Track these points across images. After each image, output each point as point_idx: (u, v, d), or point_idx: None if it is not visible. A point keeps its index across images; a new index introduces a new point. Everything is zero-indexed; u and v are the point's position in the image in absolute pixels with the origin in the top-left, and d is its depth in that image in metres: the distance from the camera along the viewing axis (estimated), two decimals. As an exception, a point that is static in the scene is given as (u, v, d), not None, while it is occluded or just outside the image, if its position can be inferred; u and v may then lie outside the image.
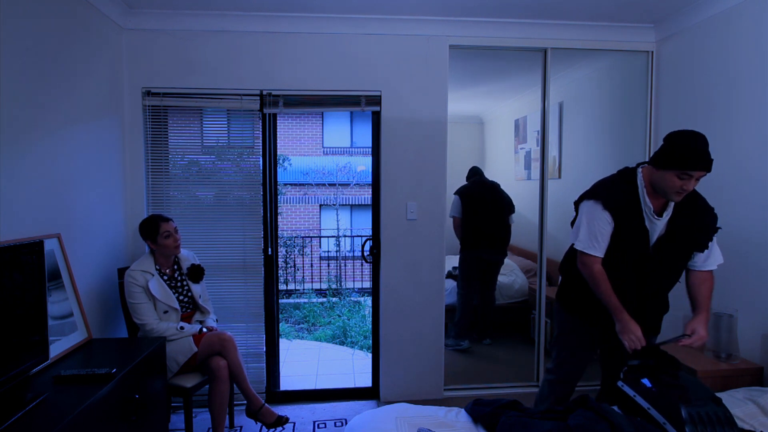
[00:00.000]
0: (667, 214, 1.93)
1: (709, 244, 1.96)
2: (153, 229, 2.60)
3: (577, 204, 2.07)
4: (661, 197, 1.91)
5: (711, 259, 1.99)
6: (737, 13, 2.58)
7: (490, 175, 4.24)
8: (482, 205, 4.05)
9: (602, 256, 1.96)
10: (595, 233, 1.94)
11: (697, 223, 1.93)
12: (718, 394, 1.94)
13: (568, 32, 3.16)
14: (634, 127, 3.38)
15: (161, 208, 3.00)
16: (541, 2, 2.81)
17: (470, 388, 3.39)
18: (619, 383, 1.74)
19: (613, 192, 1.96)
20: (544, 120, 3.33)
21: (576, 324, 2.17)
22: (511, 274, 4.42)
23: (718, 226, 1.96)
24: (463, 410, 1.95)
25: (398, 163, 3.17)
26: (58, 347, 2.05)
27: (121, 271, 2.71)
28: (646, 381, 1.66)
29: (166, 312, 2.56)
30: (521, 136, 4.54)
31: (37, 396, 1.62)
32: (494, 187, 4.11)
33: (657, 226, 1.93)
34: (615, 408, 1.74)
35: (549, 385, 2.28)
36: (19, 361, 1.70)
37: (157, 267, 2.62)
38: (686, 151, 1.77)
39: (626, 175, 1.99)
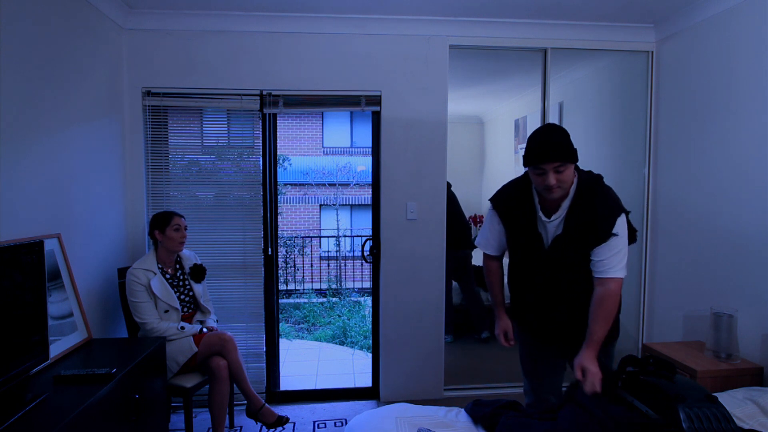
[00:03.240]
0: (558, 216, 1.79)
1: (597, 248, 1.74)
2: (165, 219, 2.61)
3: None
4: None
5: (604, 264, 1.73)
6: (737, 13, 2.58)
7: (490, 174, 4.24)
8: None
9: (494, 254, 2.05)
10: (485, 232, 2.04)
11: (591, 224, 1.74)
12: (718, 394, 1.94)
13: (568, 32, 3.16)
14: (634, 127, 3.38)
15: (161, 208, 2.99)
16: (541, 2, 2.81)
17: (470, 388, 3.39)
18: (628, 397, 1.72)
19: (505, 193, 1.97)
20: (544, 120, 3.33)
21: (524, 336, 2.07)
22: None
23: (614, 232, 1.71)
24: (463, 410, 1.95)
25: (398, 163, 3.17)
26: (58, 347, 2.05)
27: (121, 271, 2.71)
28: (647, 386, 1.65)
29: (166, 311, 2.56)
30: (521, 136, 4.54)
31: (37, 396, 1.63)
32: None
33: (550, 226, 1.82)
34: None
35: (530, 407, 2.10)
36: (19, 361, 1.70)
37: (160, 266, 2.62)
38: (530, 146, 1.72)
39: (525, 178, 1.92)
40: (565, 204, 1.78)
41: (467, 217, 4.44)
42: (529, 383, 2.15)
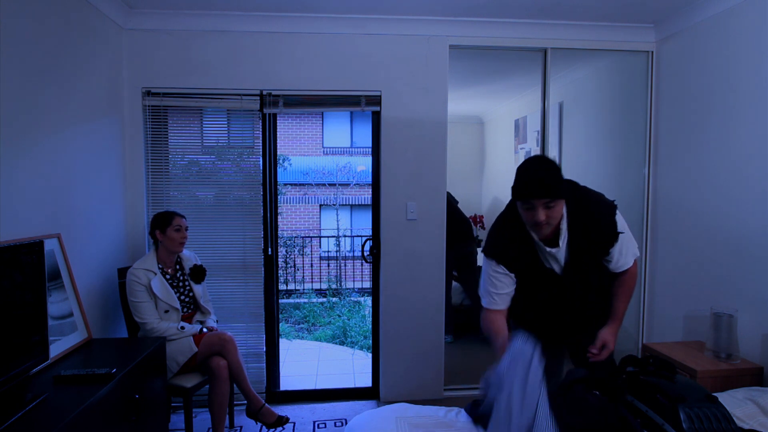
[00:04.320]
0: (563, 240, 1.74)
1: (611, 250, 1.78)
2: (166, 219, 2.61)
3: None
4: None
5: (622, 260, 1.81)
6: (737, 13, 2.58)
7: (490, 174, 4.24)
8: None
9: (503, 308, 1.84)
10: (491, 289, 1.83)
11: (595, 236, 1.75)
12: (718, 394, 1.94)
13: (568, 32, 3.16)
14: (634, 127, 3.38)
15: (161, 208, 2.99)
16: (541, 2, 2.81)
17: (470, 388, 3.39)
18: (629, 397, 1.72)
19: (501, 241, 1.82)
20: (544, 120, 3.33)
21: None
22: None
23: (619, 230, 1.76)
24: (463, 410, 1.95)
25: (398, 163, 3.17)
26: (58, 347, 2.05)
27: (121, 271, 2.71)
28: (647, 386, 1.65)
29: (167, 311, 2.56)
30: (521, 136, 4.54)
31: (37, 396, 1.63)
32: None
33: (557, 256, 1.77)
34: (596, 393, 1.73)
35: None
36: (19, 361, 1.70)
37: (160, 266, 2.62)
38: (518, 181, 1.65)
39: (511, 214, 1.82)
40: (564, 226, 1.74)
41: (467, 217, 4.41)
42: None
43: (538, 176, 1.62)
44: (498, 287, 1.82)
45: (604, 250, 1.78)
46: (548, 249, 1.75)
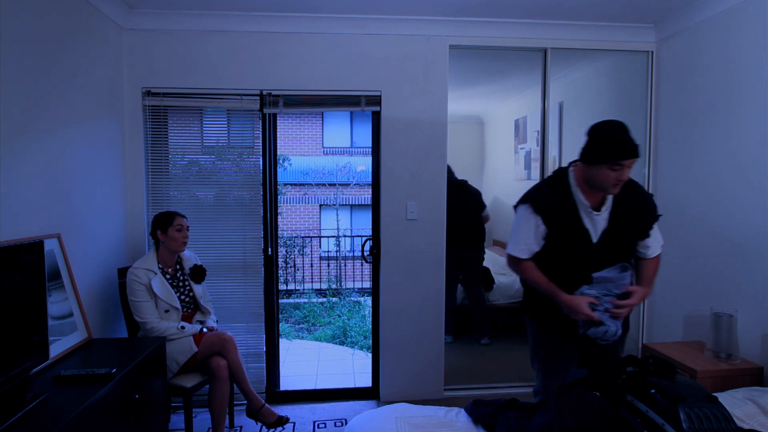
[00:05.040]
0: (606, 208, 1.90)
1: (650, 231, 1.95)
2: (168, 219, 2.62)
3: (515, 207, 2.03)
4: (598, 192, 1.88)
5: (655, 245, 1.98)
6: (737, 13, 2.58)
7: (490, 174, 4.24)
8: (452, 204, 4.04)
9: (527, 257, 1.96)
10: (522, 238, 1.95)
11: (638, 211, 1.92)
12: (718, 394, 1.94)
13: (568, 32, 3.16)
14: (634, 127, 3.32)
15: (161, 208, 2.99)
16: (541, 2, 2.81)
17: (470, 388, 3.39)
18: (629, 397, 1.71)
19: (544, 194, 1.95)
20: (544, 120, 3.33)
21: (546, 335, 2.08)
22: (511, 274, 4.41)
23: (659, 213, 1.96)
24: (463, 410, 1.95)
25: (398, 163, 3.17)
26: (58, 347, 2.05)
27: (121, 271, 2.71)
28: (648, 386, 1.65)
29: (167, 311, 2.56)
30: (521, 136, 4.54)
31: (37, 396, 1.63)
32: (463, 184, 4.08)
33: (598, 222, 1.90)
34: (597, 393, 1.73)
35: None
36: (19, 361, 1.70)
37: (160, 266, 2.62)
38: (612, 143, 1.77)
39: (558, 176, 1.97)
40: (609, 197, 1.89)
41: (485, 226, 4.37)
42: (540, 373, 2.14)
43: (630, 138, 1.78)
44: (534, 237, 1.93)
45: (644, 230, 1.92)
46: (593, 212, 1.88)
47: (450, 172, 4.19)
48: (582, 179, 1.89)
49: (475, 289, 4.21)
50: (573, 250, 1.91)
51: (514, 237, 1.97)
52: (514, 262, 2.02)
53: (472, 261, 4.13)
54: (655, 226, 1.96)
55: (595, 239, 1.90)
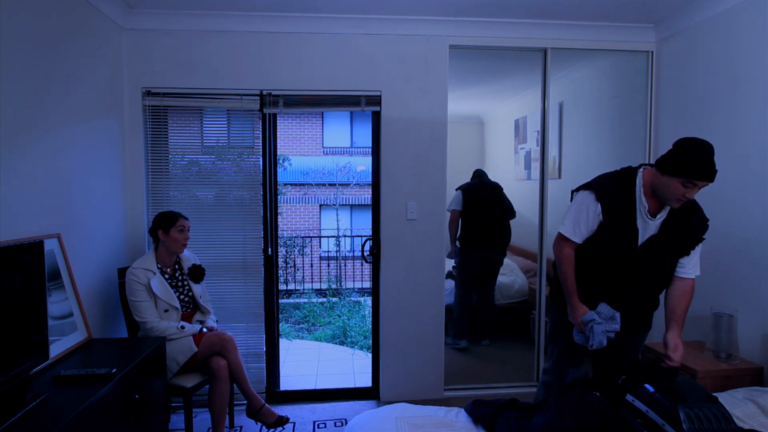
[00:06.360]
0: (661, 216, 1.94)
1: (692, 251, 1.98)
2: (170, 220, 2.61)
3: (574, 192, 2.11)
4: (658, 199, 1.93)
5: (690, 266, 2.01)
6: (737, 13, 2.58)
7: (490, 174, 4.24)
8: (484, 204, 4.05)
9: (579, 242, 2.03)
10: (578, 221, 2.01)
11: (688, 228, 1.95)
12: (718, 394, 1.94)
13: (568, 32, 3.16)
14: (634, 127, 3.38)
15: (161, 208, 2.99)
16: (541, 2, 2.81)
17: (470, 388, 3.39)
18: (629, 397, 1.72)
19: (609, 186, 2.00)
20: (544, 120, 3.33)
21: (567, 320, 2.16)
22: (511, 274, 4.42)
23: (704, 237, 1.98)
24: (463, 410, 1.95)
25: (398, 163, 3.17)
26: (58, 347, 2.05)
27: (121, 271, 2.71)
28: (648, 387, 1.66)
29: (166, 311, 2.56)
30: (521, 136, 4.54)
31: (37, 396, 1.63)
32: (497, 188, 4.12)
33: (649, 226, 1.95)
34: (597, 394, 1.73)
35: (545, 388, 2.26)
36: (19, 361, 1.70)
37: (159, 266, 2.62)
38: (695, 161, 1.77)
39: (626, 173, 2.02)
40: (667, 207, 1.92)
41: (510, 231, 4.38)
42: (554, 353, 2.26)
43: (713, 162, 1.78)
44: (587, 222, 1.98)
45: (689, 246, 1.96)
46: (648, 217, 1.93)
47: (483, 174, 4.21)
48: (649, 183, 1.93)
49: (489, 291, 4.20)
50: (617, 247, 1.96)
51: (570, 219, 2.03)
52: (559, 245, 2.07)
53: (493, 262, 4.13)
54: (698, 249, 1.99)
55: (640, 241, 1.95)
